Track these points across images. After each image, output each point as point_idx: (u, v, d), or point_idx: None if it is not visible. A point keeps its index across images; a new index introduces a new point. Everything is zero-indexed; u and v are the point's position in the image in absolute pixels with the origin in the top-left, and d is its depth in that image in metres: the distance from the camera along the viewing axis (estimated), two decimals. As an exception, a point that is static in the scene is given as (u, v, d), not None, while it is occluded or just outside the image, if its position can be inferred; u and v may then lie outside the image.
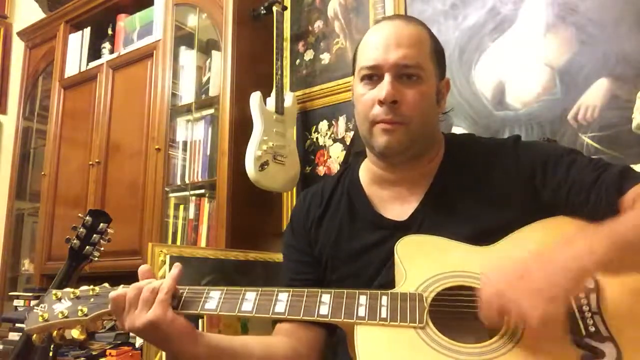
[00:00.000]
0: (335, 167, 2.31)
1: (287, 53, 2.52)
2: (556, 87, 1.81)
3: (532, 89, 1.86)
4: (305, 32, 2.52)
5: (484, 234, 0.96)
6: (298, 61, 2.52)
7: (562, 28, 1.82)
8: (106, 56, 2.93)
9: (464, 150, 1.11)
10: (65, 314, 0.98)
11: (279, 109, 2.26)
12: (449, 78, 1.14)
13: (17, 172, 3.31)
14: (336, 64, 2.39)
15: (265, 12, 2.42)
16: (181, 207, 2.43)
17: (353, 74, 1.13)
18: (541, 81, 1.84)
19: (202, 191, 2.39)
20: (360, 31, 2.31)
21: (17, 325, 2.46)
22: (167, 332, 0.92)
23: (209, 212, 2.33)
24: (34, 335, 1.00)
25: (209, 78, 2.50)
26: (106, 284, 1.03)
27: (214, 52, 2.49)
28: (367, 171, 1.16)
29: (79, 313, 0.98)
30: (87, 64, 2.99)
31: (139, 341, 2.13)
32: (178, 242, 2.38)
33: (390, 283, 0.97)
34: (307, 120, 2.44)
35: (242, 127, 2.25)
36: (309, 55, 2.49)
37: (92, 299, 1.00)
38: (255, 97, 2.21)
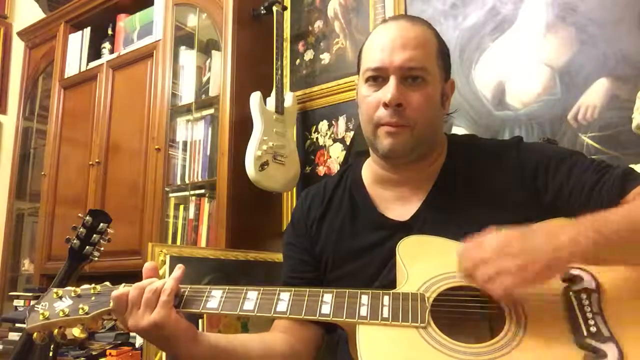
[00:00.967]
0: (335, 167, 2.31)
1: (287, 53, 2.52)
2: (556, 87, 1.81)
3: (532, 89, 1.86)
4: (305, 32, 2.52)
5: None
6: (298, 61, 2.52)
7: (562, 28, 1.82)
8: (106, 56, 2.93)
9: (466, 152, 1.11)
10: (66, 312, 0.98)
11: (279, 109, 2.26)
12: (454, 79, 1.14)
13: (17, 172, 3.31)
14: (336, 64, 2.39)
15: (265, 12, 2.42)
16: (181, 207, 2.43)
17: (358, 73, 1.13)
18: (541, 81, 1.84)
19: (202, 191, 2.39)
20: (360, 31, 2.31)
21: (17, 325, 2.46)
22: (169, 333, 0.92)
23: (209, 212, 2.33)
24: (35, 334, 1.00)
25: (209, 78, 2.50)
26: (107, 283, 1.03)
27: (214, 52, 2.49)
28: (369, 171, 1.16)
29: (80, 311, 0.98)
30: (87, 64, 2.99)
31: (139, 341, 2.13)
32: (178, 242, 2.38)
33: (391, 283, 0.97)
34: (307, 120, 2.44)
35: (242, 127, 2.26)
36: (309, 55, 2.49)
37: (93, 298, 1.00)
38: (255, 97, 2.21)
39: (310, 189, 1.23)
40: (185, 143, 2.50)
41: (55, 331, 0.99)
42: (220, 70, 2.37)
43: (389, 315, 0.86)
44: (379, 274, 1.04)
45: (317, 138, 2.40)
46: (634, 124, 1.63)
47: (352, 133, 2.25)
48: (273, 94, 2.29)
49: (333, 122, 2.36)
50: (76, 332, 0.98)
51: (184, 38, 2.63)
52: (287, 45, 2.53)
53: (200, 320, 1.69)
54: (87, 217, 1.51)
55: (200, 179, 2.39)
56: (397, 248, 0.97)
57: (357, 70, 1.14)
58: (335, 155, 2.33)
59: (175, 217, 2.43)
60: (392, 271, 0.98)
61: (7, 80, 3.54)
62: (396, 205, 1.09)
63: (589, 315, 0.81)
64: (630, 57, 1.68)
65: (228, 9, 2.38)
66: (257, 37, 2.45)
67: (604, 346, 0.77)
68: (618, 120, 1.68)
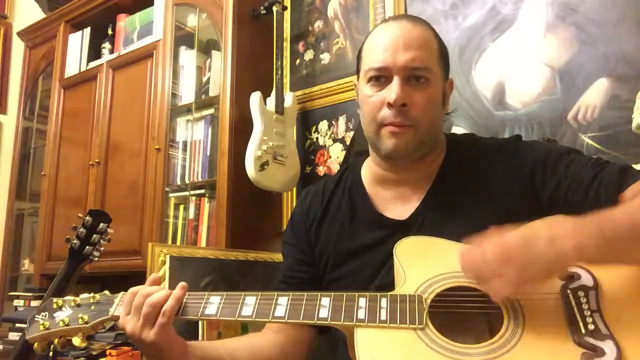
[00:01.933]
0: (335, 167, 2.31)
1: (287, 53, 2.52)
2: (556, 87, 1.81)
3: (532, 89, 1.86)
4: (305, 32, 2.52)
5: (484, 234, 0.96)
6: (298, 61, 2.52)
7: (562, 28, 1.82)
8: (106, 56, 2.93)
9: (465, 151, 1.11)
10: (66, 322, 0.99)
11: (279, 109, 2.26)
12: (452, 79, 1.14)
13: (17, 172, 3.31)
14: (336, 64, 2.39)
15: (265, 12, 2.42)
16: (181, 207, 2.43)
17: (357, 73, 1.13)
18: (541, 81, 1.84)
19: (202, 191, 2.39)
20: (360, 31, 2.31)
21: (17, 325, 2.46)
22: (163, 352, 0.95)
23: (209, 212, 2.33)
24: (36, 344, 1.00)
25: (209, 78, 2.50)
26: (106, 292, 1.04)
27: (214, 52, 2.49)
28: (369, 171, 1.16)
29: (80, 321, 0.99)
30: (87, 64, 2.99)
31: (139, 341, 2.12)
32: (178, 242, 2.38)
33: (390, 284, 0.97)
34: (307, 120, 2.44)
35: (242, 127, 2.26)
36: (309, 55, 2.49)
37: (92, 307, 1.01)
38: (255, 97, 2.21)
39: (310, 188, 1.24)
40: (185, 143, 2.50)
41: (56, 341, 1.00)
42: (220, 70, 2.37)
43: (386, 317, 0.86)
44: (378, 273, 1.04)
45: (317, 138, 2.40)
46: (634, 124, 1.62)
47: (352, 133, 2.25)
48: (273, 94, 2.29)
49: (333, 122, 2.36)
50: (77, 341, 0.99)
51: (184, 38, 2.63)
52: (287, 45, 2.53)
53: (200, 322, 1.69)
54: (87, 217, 1.51)
55: (200, 179, 2.39)
56: (394, 250, 0.97)
57: (356, 70, 1.14)
58: (335, 155, 2.33)
59: (175, 217, 2.44)
60: (391, 271, 0.98)
61: (7, 80, 3.54)
62: (395, 205, 1.09)
63: (587, 313, 0.81)
64: (630, 57, 1.68)
65: (228, 9, 2.38)
66: (257, 37, 2.45)
67: (603, 344, 0.77)
68: (618, 120, 1.68)
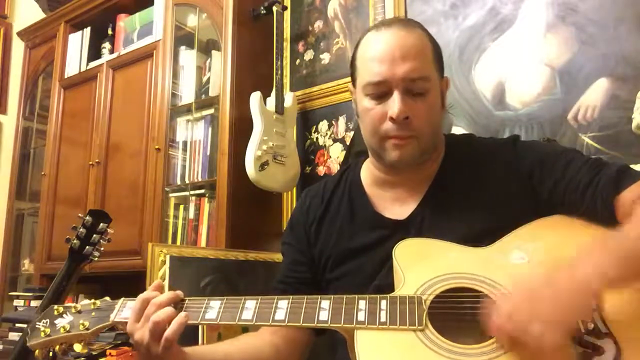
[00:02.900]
0: (335, 167, 2.31)
1: (287, 53, 2.52)
2: (556, 87, 1.81)
3: (532, 89, 1.86)
4: (305, 32, 2.52)
5: (483, 234, 0.96)
6: (298, 61, 2.52)
7: (562, 28, 1.82)
8: (106, 56, 2.93)
9: (464, 151, 1.11)
10: (67, 329, 0.99)
11: (279, 109, 2.26)
12: (448, 77, 1.13)
13: (17, 172, 3.31)
14: (336, 64, 2.39)
15: (265, 12, 2.42)
16: (181, 207, 2.43)
17: (352, 79, 1.12)
18: (541, 81, 1.84)
19: (202, 191, 2.39)
20: (360, 31, 2.31)
21: (17, 325, 2.46)
22: None
23: (209, 212, 2.33)
24: (37, 351, 1.00)
25: (209, 78, 2.50)
26: (107, 298, 1.04)
27: (214, 52, 2.49)
28: (368, 172, 1.16)
29: (81, 327, 0.99)
30: (87, 64, 2.99)
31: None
32: (178, 242, 2.38)
33: (389, 286, 0.97)
34: (307, 120, 2.44)
35: (242, 127, 2.26)
36: (309, 55, 2.49)
37: (93, 313, 1.01)
38: (255, 97, 2.21)
39: (310, 189, 1.24)
40: (185, 143, 2.50)
41: (57, 347, 1.00)
42: (220, 70, 2.37)
43: (386, 319, 0.86)
44: (378, 273, 1.04)
45: (317, 138, 2.40)
46: (634, 124, 1.63)
47: (352, 133, 2.25)
48: (273, 94, 2.29)
49: (333, 122, 2.35)
50: (78, 347, 0.99)
51: (184, 38, 2.63)
52: (287, 45, 2.53)
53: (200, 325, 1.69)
54: (87, 217, 1.51)
55: (200, 179, 2.39)
56: (393, 252, 0.97)
57: (351, 77, 1.13)
58: (335, 155, 2.33)
59: (175, 217, 2.44)
60: (391, 272, 0.98)
61: (7, 80, 3.53)
62: (394, 205, 1.10)
63: (586, 312, 0.81)
64: (630, 57, 1.68)
65: (228, 9, 2.38)
66: (257, 37, 2.45)
67: (602, 342, 0.77)
68: (618, 120, 1.68)
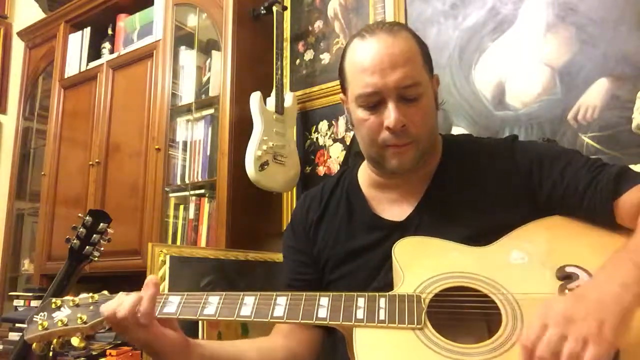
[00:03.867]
0: (335, 167, 2.31)
1: (287, 53, 2.52)
2: (556, 87, 1.81)
3: (532, 89, 1.86)
4: (305, 32, 2.52)
5: (481, 234, 0.96)
6: (298, 61, 2.52)
7: (562, 28, 1.82)
8: (106, 56, 2.92)
9: (462, 151, 1.11)
10: (65, 322, 0.99)
11: (279, 109, 2.26)
12: (437, 74, 1.12)
13: (17, 172, 3.31)
14: (336, 64, 2.36)
15: (265, 12, 2.42)
16: (181, 207, 2.43)
17: (342, 88, 1.11)
18: (541, 81, 1.84)
19: (202, 191, 2.39)
20: (360, 31, 2.31)
21: (17, 325, 2.46)
22: (158, 349, 0.95)
23: (209, 212, 2.33)
24: (34, 344, 1.00)
25: (209, 78, 2.50)
26: (105, 292, 1.04)
27: (214, 52, 2.49)
28: (365, 174, 1.16)
29: (79, 321, 0.99)
30: (87, 64, 2.99)
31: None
32: (178, 242, 2.38)
33: (388, 285, 0.97)
34: (307, 120, 2.44)
35: (242, 127, 2.25)
36: (309, 55, 2.49)
37: (91, 307, 1.01)
38: (255, 97, 2.21)
39: (310, 191, 1.24)
40: (185, 143, 2.50)
41: (55, 341, 1.00)
42: (220, 70, 2.37)
43: (385, 317, 0.86)
44: (377, 274, 1.04)
45: (317, 138, 2.40)
46: (634, 124, 1.63)
47: (352, 133, 2.25)
48: (273, 94, 2.29)
49: (333, 122, 2.35)
50: (75, 341, 0.99)
51: (184, 38, 2.63)
52: (287, 45, 2.53)
53: (200, 322, 1.69)
54: (87, 217, 1.51)
55: (200, 179, 2.39)
56: (393, 250, 0.97)
57: (340, 85, 1.12)
58: (335, 155, 2.33)
59: (175, 217, 2.43)
60: (390, 272, 0.98)
61: (7, 80, 3.54)
62: (392, 207, 1.10)
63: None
64: (630, 57, 1.67)
65: (228, 9, 2.38)
66: (257, 37, 2.45)
67: None
68: (618, 120, 1.68)
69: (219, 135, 2.30)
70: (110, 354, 2.09)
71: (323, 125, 2.38)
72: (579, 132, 1.75)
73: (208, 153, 2.39)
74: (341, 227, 1.12)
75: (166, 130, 2.48)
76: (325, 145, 2.37)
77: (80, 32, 3.08)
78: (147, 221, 2.43)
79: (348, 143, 2.24)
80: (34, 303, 2.62)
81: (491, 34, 1.97)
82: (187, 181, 2.43)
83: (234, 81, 2.31)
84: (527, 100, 1.87)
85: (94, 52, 3.02)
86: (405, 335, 0.84)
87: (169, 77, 2.54)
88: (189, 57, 2.59)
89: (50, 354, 1.48)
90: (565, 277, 0.86)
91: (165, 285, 1.72)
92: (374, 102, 1.02)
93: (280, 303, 0.93)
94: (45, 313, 1.01)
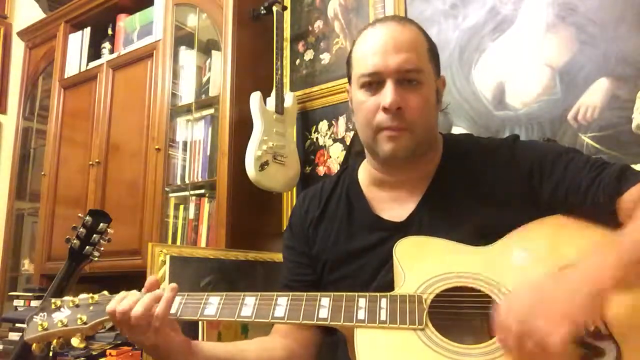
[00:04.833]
0: (335, 167, 2.31)
1: (287, 53, 2.52)
2: (556, 87, 1.81)
3: (532, 89, 1.86)
4: (305, 32, 2.52)
5: (482, 234, 0.96)
6: (298, 61, 2.52)
7: (562, 28, 1.82)
8: (106, 56, 2.92)
9: (462, 151, 1.11)
10: (65, 323, 0.99)
11: (279, 109, 2.26)
12: (444, 75, 1.14)
13: (17, 172, 3.30)
14: (336, 64, 2.39)
15: (265, 12, 2.42)
16: (181, 207, 2.43)
17: (348, 77, 1.13)
18: (541, 81, 1.84)
19: (202, 191, 2.39)
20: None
21: (17, 325, 2.46)
22: (163, 352, 0.96)
23: (209, 212, 2.33)
24: (34, 345, 1.00)
25: (209, 78, 2.50)
26: (105, 292, 1.04)
27: (214, 52, 2.49)
28: (366, 173, 1.16)
29: (78, 321, 0.99)
30: (87, 64, 2.99)
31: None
32: (178, 242, 2.38)
33: (389, 285, 0.97)
34: (307, 120, 2.44)
35: (242, 127, 2.25)
36: (309, 55, 2.49)
37: (91, 307, 1.01)
38: (255, 97, 2.21)
39: (308, 191, 1.24)
40: (185, 143, 2.50)
41: (54, 342, 1.00)
42: (220, 70, 2.36)
43: (386, 317, 0.86)
44: (377, 275, 1.04)
45: (317, 138, 2.40)
46: (634, 124, 1.63)
47: (352, 133, 2.25)
48: (273, 94, 2.29)
49: (333, 122, 2.35)
50: (75, 342, 0.99)
51: (184, 38, 2.63)
52: (287, 45, 2.53)
53: (200, 322, 1.69)
54: (87, 217, 1.51)
55: (200, 179, 2.39)
56: (394, 249, 0.97)
57: (347, 77, 1.13)
58: (335, 155, 2.33)
59: (175, 217, 2.43)
60: (390, 272, 0.98)
61: (7, 80, 3.53)
62: (392, 207, 1.09)
63: (587, 312, 0.81)
64: (630, 57, 1.67)
65: (228, 9, 2.37)
66: (257, 37, 2.44)
67: (602, 344, 0.77)
68: (618, 120, 1.68)
69: (219, 135, 2.30)
70: (110, 354, 2.09)
71: (323, 125, 2.38)
72: (579, 132, 1.75)
73: (208, 153, 2.39)
74: (341, 227, 1.12)
75: (166, 130, 2.48)
76: (325, 145, 2.37)
77: (80, 32, 3.08)
78: (147, 221, 2.43)
79: (348, 143, 2.24)
80: (34, 303, 2.61)
81: (491, 34, 1.97)
82: (187, 181, 2.43)
83: (234, 81, 2.31)
84: (527, 100, 1.87)
85: (94, 52, 3.02)
86: (406, 336, 0.84)
87: (169, 77, 2.54)
88: (189, 57, 2.58)
89: (51, 354, 1.49)
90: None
91: (165, 285, 1.72)
92: (374, 83, 1.03)
93: (281, 303, 0.93)
94: (45, 314, 1.01)
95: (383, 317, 0.86)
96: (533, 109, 1.85)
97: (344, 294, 0.92)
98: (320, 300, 0.91)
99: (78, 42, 3.07)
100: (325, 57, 2.43)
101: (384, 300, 0.89)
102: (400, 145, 1.03)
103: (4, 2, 3.60)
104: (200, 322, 1.69)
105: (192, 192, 2.40)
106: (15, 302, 2.78)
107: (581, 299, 0.74)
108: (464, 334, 0.85)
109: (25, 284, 3.14)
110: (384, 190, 1.12)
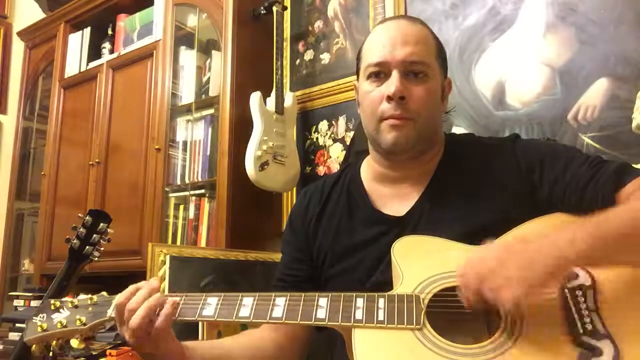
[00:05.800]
0: (335, 167, 2.31)
1: (287, 53, 2.52)
2: (556, 87, 1.81)
3: (532, 89, 1.86)
4: (305, 32, 2.52)
5: (481, 232, 0.96)
6: (298, 61, 2.52)
7: (562, 28, 1.82)
8: (106, 56, 2.93)
9: (464, 149, 1.12)
10: (64, 324, 0.99)
11: (279, 109, 2.26)
12: (451, 78, 1.15)
13: (17, 172, 3.31)
14: (336, 64, 2.39)
15: (265, 12, 2.42)
16: (181, 207, 2.43)
17: (357, 73, 1.14)
18: (541, 81, 1.84)
19: (202, 191, 2.39)
20: (360, 31, 2.31)
21: (17, 325, 2.46)
22: (161, 357, 0.97)
23: (209, 212, 2.33)
24: (34, 346, 1.00)
25: (209, 78, 2.50)
26: (104, 293, 1.04)
27: (214, 52, 2.49)
28: (368, 168, 1.17)
29: (78, 322, 0.99)
30: (87, 64, 2.99)
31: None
32: (178, 242, 2.38)
33: (387, 283, 0.97)
34: (307, 120, 2.44)
35: (242, 127, 2.25)
36: (309, 55, 2.49)
37: (90, 308, 1.01)
38: (255, 97, 2.21)
39: (309, 187, 1.25)
40: (185, 143, 2.50)
41: (54, 343, 1.00)
42: (220, 70, 2.37)
43: (384, 317, 0.86)
44: (376, 269, 1.04)
45: (317, 138, 2.40)
46: (634, 124, 1.63)
47: (352, 133, 2.25)
48: (273, 94, 2.29)
49: (333, 122, 2.35)
50: (74, 343, 0.99)
51: (184, 38, 2.63)
52: (287, 45, 2.53)
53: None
54: (87, 217, 1.50)
55: (200, 179, 2.39)
56: (392, 249, 0.97)
57: (356, 71, 1.14)
58: (335, 155, 2.33)
59: (175, 217, 2.44)
60: (389, 268, 0.98)
61: (7, 80, 3.54)
62: (393, 202, 1.10)
63: (585, 312, 0.81)
64: (630, 57, 1.67)
65: (228, 9, 2.38)
66: (257, 37, 2.45)
67: (600, 343, 0.77)
68: (618, 120, 1.68)
69: (219, 135, 2.30)
70: (110, 354, 2.09)
71: (323, 125, 2.38)
72: (579, 132, 1.75)
73: (208, 153, 2.39)
74: (341, 221, 1.13)
75: (166, 130, 2.48)
76: (325, 145, 2.37)
77: (80, 32, 3.08)
78: (147, 221, 2.43)
79: (348, 143, 2.24)
80: (34, 303, 2.62)
81: (491, 34, 1.97)
82: (187, 181, 2.43)
83: (234, 81, 2.31)
84: (527, 100, 1.87)
85: (94, 52, 3.02)
86: (404, 336, 0.84)
87: (169, 77, 2.54)
88: (189, 57, 2.59)
89: (51, 354, 1.49)
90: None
91: (165, 285, 1.72)
92: (381, 73, 1.05)
93: (279, 304, 0.93)
94: (45, 314, 1.01)
95: (381, 317, 0.86)
96: (533, 109, 1.85)
97: (342, 294, 0.92)
98: (318, 301, 0.91)
99: (78, 42, 3.07)
100: (325, 57, 2.43)
101: (381, 300, 0.89)
102: (402, 134, 1.03)
103: (4, 2, 3.60)
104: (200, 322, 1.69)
105: (192, 192, 2.40)
106: (15, 302, 2.78)
107: (541, 267, 0.78)
108: (462, 334, 0.85)
109: (25, 284, 3.15)
110: (385, 186, 1.12)
